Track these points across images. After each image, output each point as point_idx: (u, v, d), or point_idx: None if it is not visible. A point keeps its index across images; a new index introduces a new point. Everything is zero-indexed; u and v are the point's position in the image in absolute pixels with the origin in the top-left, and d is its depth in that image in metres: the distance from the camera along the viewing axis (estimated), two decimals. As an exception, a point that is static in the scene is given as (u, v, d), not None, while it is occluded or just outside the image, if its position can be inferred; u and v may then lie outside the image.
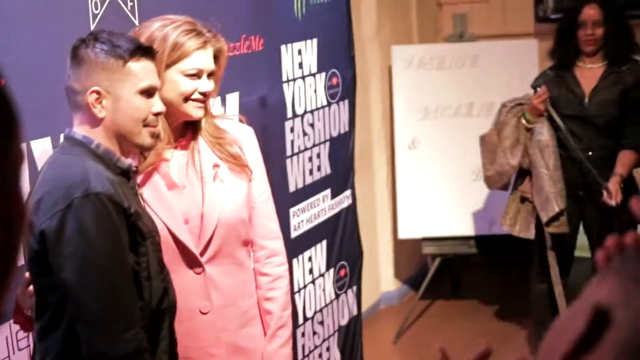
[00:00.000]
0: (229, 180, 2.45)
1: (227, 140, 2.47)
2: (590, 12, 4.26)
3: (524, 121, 4.34)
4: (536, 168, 4.32)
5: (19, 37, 2.34)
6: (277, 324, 2.52)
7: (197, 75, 2.37)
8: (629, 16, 4.52)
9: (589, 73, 4.35)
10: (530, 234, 4.45)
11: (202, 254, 2.41)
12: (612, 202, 4.16)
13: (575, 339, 0.77)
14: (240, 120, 2.59)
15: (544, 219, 4.32)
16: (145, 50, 2.13)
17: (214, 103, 2.55)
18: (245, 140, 2.53)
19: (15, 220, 0.78)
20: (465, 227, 5.29)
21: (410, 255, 5.78)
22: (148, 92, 2.14)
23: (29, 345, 2.34)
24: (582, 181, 4.33)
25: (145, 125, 2.14)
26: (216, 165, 2.44)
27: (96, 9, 2.60)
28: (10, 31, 2.32)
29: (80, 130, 2.12)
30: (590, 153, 4.29)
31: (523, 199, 4.47)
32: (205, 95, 2.39)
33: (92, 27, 2.57)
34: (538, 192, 4.32)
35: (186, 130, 2.46)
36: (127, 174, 2.16)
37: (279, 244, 2.57)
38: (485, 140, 4.51)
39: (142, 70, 2.12)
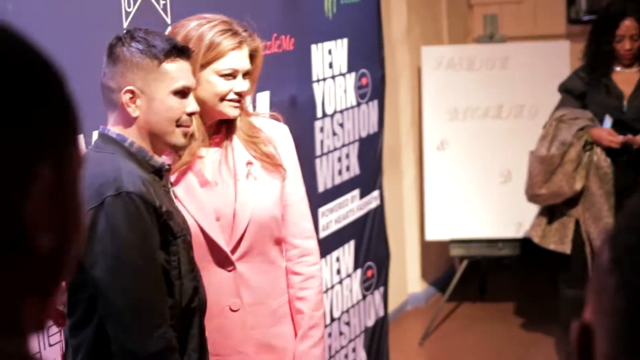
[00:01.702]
0: (263, 178, 2.45)
1: (261, 139, 2.46)
2: (629, 26, 4.22)
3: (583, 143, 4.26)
4: (594, 195, 4.24)
5: (53, 35, 2.35)
6: (309, 323, 2.51)
7: (233, 75, 2.36)
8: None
9: (626, 78, 4.31)
10: (567, 248, 4.38)
11: (233, 251, 2.40)
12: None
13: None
14: (276, 118, 2.58)
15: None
16: (180, 51, 2.13)
17: (260, 102, 2.55)
18: (280, 138, 2.52)
19: (70, 228, 0.78)
20: (493, 230, 5.26)
21: (438, 257, 5.75)
22: (182, 93, 2.14)
23: (60, 341, 2.35)
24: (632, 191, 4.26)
25: (179, 125, 2.14)
26: (250, 163, 2.44)
27: (129, 7, 2.61)
28: (43, 29, 2.33)
29: (114, 128, 2.13)
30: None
31: (553, 212, 4.41)
32: (241, 95, 2.38)
33: (125, 25, 2.58)
34: (595, 220, 4.24)
35: (220, 128, 2.45)
36: (159, 173, 2.16)
37: (312, 243, 2.56)
38: (543, 159, 4.33)
39: (176, 71, 2.12)
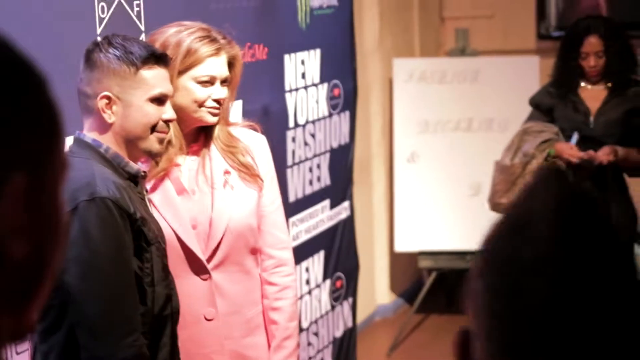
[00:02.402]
0: (239, 188, 2.44)
1: (239, 149, 2.45)
2: (593, 43, 4.26)
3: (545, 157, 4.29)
4: None
5: (26, 41, 2.32)
6: (283, 334, 2.51)
7: (210, 82, 2.36)
8: (630, 36, 4.52)
9: (593, 94, 4.36)
10: None
11: (209, 260, 2.39)
12: (603, 158, 4.11)
13: None
14: (254, 128, 2.57)
15: None
16: (158, 58, 2.13)
17: (231, 110, 2.54)
18: (258, 149, 2.52)
19: (48, 235, 0.76)
20: (461, 242, 5.28)
21: (406, 269, 5.77)
22: (159, 100, 2.13)
23: (27, 349, 2.32)
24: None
25: (154, 131, 2.13)
26: (227, 172, 2.43)
27: (103, 13, 2.60)
28: (16, 35, 2.31)
29: (90, 134, 2.12)
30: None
31: None
32: (219, 102, 2.38)
33: (99, 32, 2.57)
34: None
35: (198, 136, 2.45)
36: (135, 179, 2.15)
37: (287, 254, 2.55)
38: (505, 169, 4.35)
39: (154, 78, 2.11)
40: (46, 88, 0.76)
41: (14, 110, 0.72)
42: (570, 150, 4.20)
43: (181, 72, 2.33)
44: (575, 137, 4.25)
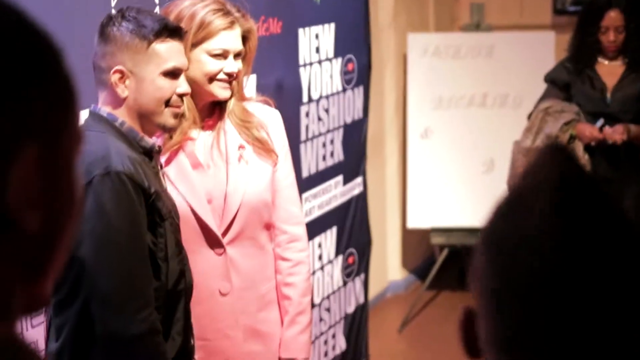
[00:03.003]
0: (254, 162, 2.43)
1: (254, 124, 2.44)
2: (614, 18, 4.21)
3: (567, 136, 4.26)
4: None
5: (40, 13, 2.30)
6: (296, 309, 2.50)
7: (223, 55, 2.34)
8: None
9: (610, 70, 4.31)
10: None
11: (223, 234, 2.38)
12: (616, 137, 4.08)
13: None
14: (268, 103, 2.55)
15: None
16: (171, 31, 2.10)
17: (247, 84, 2.51)
18: (272, 124, 2.50)
19: (63, 207, 0.75)
20: (474, 219, 5.26)
21: (418, 245, 5.76)
22: (173, 73, 2.11)
23: (43, 322, 2.32)
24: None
25: (168, 106, 2.11)
26: (242, 147, 2.42)
27: (117, -15, 2.58)
28: (30, 7, 2.29)
29: (104, 107, 2.11)
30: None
31: None
32: (231, 76, 2.35)
33: (113, 4, 2.55)
34: None
35: (213, 111, 2.43)
36: (150, 154, 2.14)
37: (301, 230, 2.54)
38: (528, 151, 4.30)
39: (167, 51, 2.09)
40: (62, 60, 0.76)
41: (29, 80, 0.72)
42: (590, 131, 4.17)
43: (194, 45, 2.31)
44: (600, 122, 4.20)
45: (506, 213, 0.88)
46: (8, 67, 0.71)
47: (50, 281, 0.76)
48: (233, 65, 2.35)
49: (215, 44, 2.32)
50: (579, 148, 4.22)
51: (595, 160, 4.22)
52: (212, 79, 2.34)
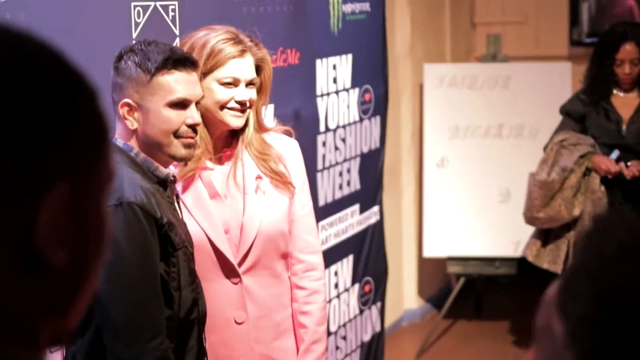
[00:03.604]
0: (271, 193, 2.45)
1: (272, 157, 2.45)
2: (629, 50, 4.23)
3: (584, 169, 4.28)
4: (587, 220, 4.24)
5: (63, 45, 2.36)
6: (312, 338, 2.52)
7: (234, 83, 2.35)
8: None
9: (625, 102, 4.33)
10: (558, 269, 4.40)
11: (240, 264, 2.40)
12: (632, 172, 4.09)
13: None
14: (289, 133, 2.58)
15: None
16: (177, 62, 2.10)
17: (266, 114, 2.54)
18: (290, 155, 2.52)
19: (91, 242, 0.76)
20: (490, 248, 5.27)
21: (434, 274, 5.76)
22: (180, 104, 2.12)
23: (59, 349, 2.35)
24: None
25: (178, 137, 2.12)
26: (259, 177, 2.44)
27: (139, 17, 2.63)
28: (53, 39, 2.34)
29: (119, 138, 2.14)
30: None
31: (548, 232, 4.44)
32: (243, 104, 2.36)
33: (134, 36, 2.60)
34: None
35: (232, 141, 2.45)
36: (164, 184, 2.16)
37: (317, 259, 2.56)
38: (543, 184, 4.33)
39: (172, 83, 2.10)
40: (97, 101, 0.77)
41: (64, 123, 0.73)
42: (606, 164, 4.18)
43: (205, 74, 2.33)
44: (615, 153, 4.22)
45: (619, 262, 0.72)
46: (45, 109, 0.72)
47: (76, 316, 0.77)
48: (244, 93, 2.36)
49: (225, 72, 2.34)
50: (595, 181, 4.24)
51: (611, 192, 4.23)
52: (223, 107, 2.35)
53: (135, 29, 2.62)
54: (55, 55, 0.76)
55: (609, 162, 4.17)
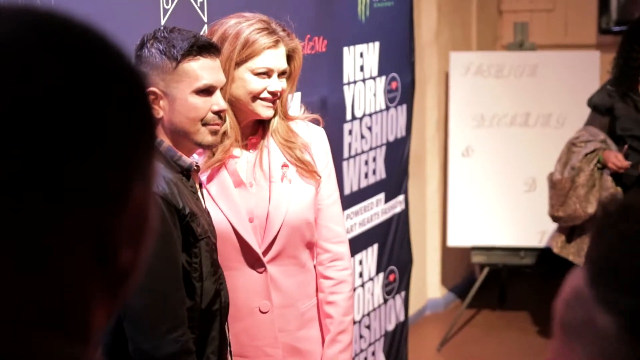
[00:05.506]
0: (297, 182, 2.43)
1: (298, 145, 2.44)
2: None
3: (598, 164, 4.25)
4: None
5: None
6: (338, 328, 2.50)
7: (267, 74, 2.34)
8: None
9: None
10: (582, 261, 4.38)
11: (265, 253, 2.39)
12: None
13: None
14: (317, 121, 2.56)
15: None
16: (202, 48, 2.08)
17: (291, 102, 2.52)
18: (317, 143, 2.50)
19: (143, 241, 0.78)
20: (515, 238, 5.24)
21: (458, 263, 5.74)
22: (206, 91, 2.10)
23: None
24: None
25: (205, 124, 2.11)
26: (285, 165, 2.42)
27: (167, 4, 2.62)
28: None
29: None
30: None
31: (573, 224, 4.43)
32: (275, 95, 2.36)
33: (163, 22, 2.59)
34: None
35: (257, 129, 2.44)
36: (187, 173, 2.14)
37: (343, 248, 2.54)
38: (556, 184, 4.35)
39: (198, 69, 2.08)
40: (147, 96, 0.79)
41: (135, 123, 0.75)
42: (615, 159, 4.15)
43: (238, 64, 2.32)
44: (625, 148, 4.19)
45: None
46: (128, 115, 0.74)
47: (118, 308, 0.79)
48: (277, 84, 2.35)
49: (259, 62, 2.33)
50: (607, 178, 4.22)
51: (624, 188, 4.21)
52: (255, 97, 2.34)
53: (164, 16, 2.61)
54: (126, 61, 0.77)
55: (618, 157, 4.14)
